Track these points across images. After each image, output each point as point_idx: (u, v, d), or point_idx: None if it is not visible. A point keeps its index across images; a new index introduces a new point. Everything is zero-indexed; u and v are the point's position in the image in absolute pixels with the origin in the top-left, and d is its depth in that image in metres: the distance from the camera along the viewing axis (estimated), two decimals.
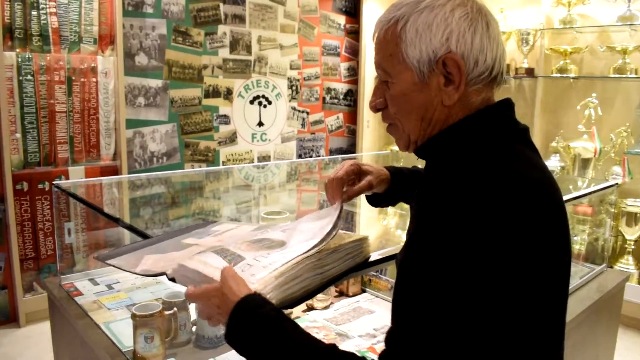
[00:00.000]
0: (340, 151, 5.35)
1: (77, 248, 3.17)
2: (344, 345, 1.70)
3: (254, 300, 0.91)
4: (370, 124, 5.41)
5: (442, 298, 0.78)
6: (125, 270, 1.20)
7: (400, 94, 0.96)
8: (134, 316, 1.51)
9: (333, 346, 0.88)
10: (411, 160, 4.41)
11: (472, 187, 0.82)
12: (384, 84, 0.99)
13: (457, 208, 0.80)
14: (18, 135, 3.31)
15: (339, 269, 1.13)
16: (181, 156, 4.20)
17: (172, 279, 1.08)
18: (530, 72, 4.35)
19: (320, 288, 1.08)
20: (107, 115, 3.64)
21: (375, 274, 2.14)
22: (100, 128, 3.62)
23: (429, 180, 0.98)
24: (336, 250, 1.11)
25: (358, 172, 1.28)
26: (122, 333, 1.67)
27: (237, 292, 0.91)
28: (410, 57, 0.92)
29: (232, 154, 4.52)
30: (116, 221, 1.76)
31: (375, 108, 1.04)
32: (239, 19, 4.40)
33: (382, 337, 1.77)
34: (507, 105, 0.97)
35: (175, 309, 1.60)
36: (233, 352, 1.62)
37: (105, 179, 2.86)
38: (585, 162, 3.98)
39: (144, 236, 1.48)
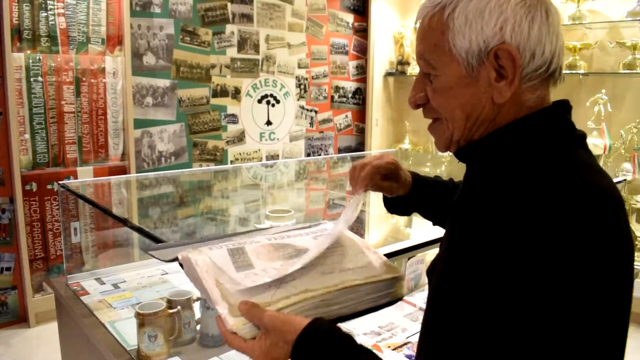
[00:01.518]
0: (349, 150, 5.35)
1: (85, 248, 3.19)
2: None
3: (320, 327, 0.86)
4: (379, 122, 5.40)
5: (496, 319, 0.71)
6: (159, 259, 1.15)
7: (444, 89, 0.87)
8: (137, 315, 1.51)
9: None
10: (419, 159, 4.38)
11: (537, 197, 0.73)
12: (426, 77, 0.90)
13: (522, 220, 0.72)
14: (27, 136, 3.33)
15: (354, 309, 1.01)
16: (189, 156, 4.21)
17: (182, 265, 1.02)
18: None
19: None
20: (115, 116, 3.65)
21: None
22: (108, 128, 3.64)
23: (476, 188, 0.88)
24: (354, 289, 1.00)
25: (395, 172, 1.20)
26: (127, 332, 1.67)
27: (295, 331, 0.86)
28: (457, 48, 0.83)
29: (240, 153, 4.53)
30: (121, 221, 1.77)
31: (415, 104, 0.94)
32: (247, 18, 4.41)
33: (386, 334, 1.76)
34: (565, 107, 0.88)
35: (179, 307, 1.60)
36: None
37: (113, 179, 2.87)
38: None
39: (149, 236, 1.47)
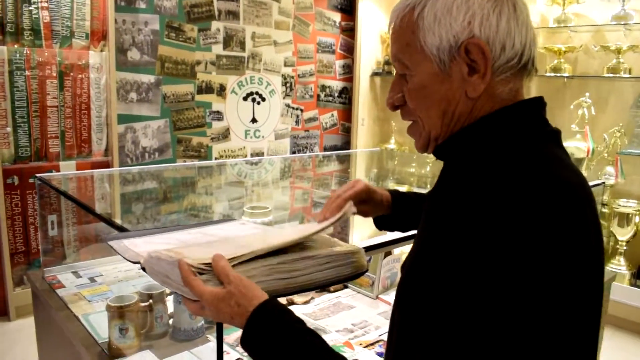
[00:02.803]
0: (335, 149, 5.35)
1: (63, 241, 3.17)
2: None
3: (274, 308, 0.87)
4: (365, 121, 5.41)
5: (464, 316, 0.70)
6: (117, 253, 1.18)
7: (419, 87, 0.87)
8: (108, 307, 1.51)
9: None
10: (404, 159, 4.39)
11: (505, 189, 0.73)
12: (402, 78, 0.91)
13: (489, 213, 0.72)
14: (9, 129, 3.31)
15: (316, 277, 1.04)
16: (173, 152, 4.20)
17: (144, 269, 1.06)
18: None
19: (285, 293, 1.00)
20: (98, 111, 3.64)
21: None
22: (91, 123, 3.62)
23: (449, 182, 0.88)
24: (312, 257, 1.03)
25: (367, 198, 1.22)
26: (100, 325, 1.67)
27: (252, 299, 0.87)
28: (429, 45, 0.84)
29: (225, 150, 4.52)
30: (100, 218, 1.76)
31: (392, 105, 0.95)
32: (233, 15, 4.40)
33: (359, 332, 1.77)
34: (540, 103, 0.88)
35: (151, 301, 1.60)
36: (209, 345, 1.63)
37: (96, 171, 2.86)
38: (578, 162, 3.96)
39: (119, 228, 1.47)
